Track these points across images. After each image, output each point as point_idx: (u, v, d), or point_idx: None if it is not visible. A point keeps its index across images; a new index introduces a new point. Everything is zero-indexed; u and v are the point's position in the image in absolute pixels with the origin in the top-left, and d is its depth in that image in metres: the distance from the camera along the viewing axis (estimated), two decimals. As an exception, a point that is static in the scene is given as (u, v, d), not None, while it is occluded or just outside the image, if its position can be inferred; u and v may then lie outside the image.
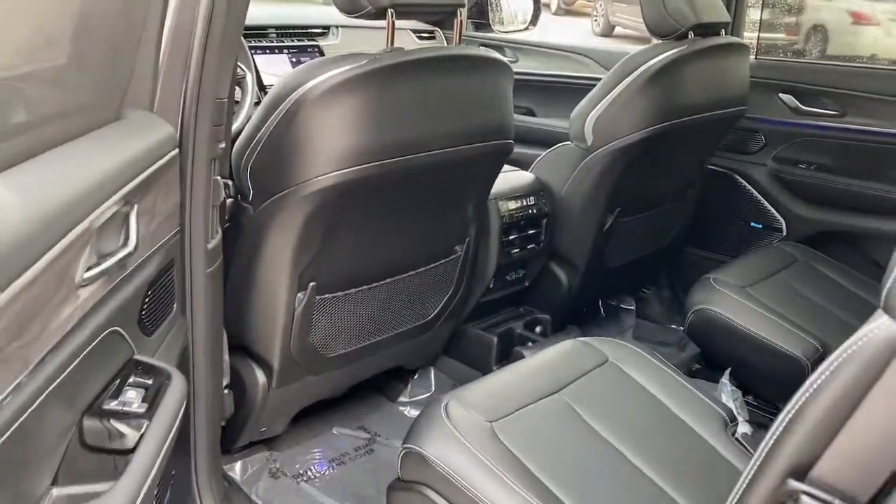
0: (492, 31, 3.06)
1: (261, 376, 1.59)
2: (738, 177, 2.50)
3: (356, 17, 1.40)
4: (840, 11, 8.05)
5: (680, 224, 2.49)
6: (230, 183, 1.44)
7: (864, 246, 2.31)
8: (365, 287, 1.63)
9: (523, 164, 2.26)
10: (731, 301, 1.91)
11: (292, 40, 2.54)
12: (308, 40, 2.58)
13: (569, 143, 2.11)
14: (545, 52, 2.93)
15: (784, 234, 2.42)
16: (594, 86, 2.65)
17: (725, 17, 2.16)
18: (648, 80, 1.93)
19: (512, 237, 2.02)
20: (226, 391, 1.56)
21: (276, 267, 1.47)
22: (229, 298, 1.52)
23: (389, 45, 1.41)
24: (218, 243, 1.33)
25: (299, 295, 1.52)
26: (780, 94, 2.39)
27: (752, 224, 2.50)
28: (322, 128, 1.33)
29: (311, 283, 1.52)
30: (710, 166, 2.45)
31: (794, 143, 2.39)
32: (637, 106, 1.95)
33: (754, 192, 2.47)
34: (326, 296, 1.56)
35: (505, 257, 2.01)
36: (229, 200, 1.46)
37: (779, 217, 2.43)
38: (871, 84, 2.23)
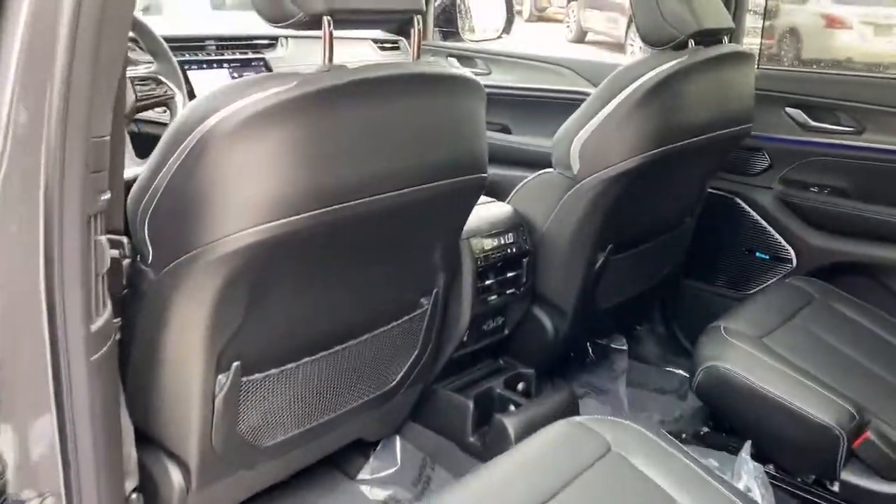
0: (461, 40, 2.78)
1: (176, 476, 1.27)
2: (739, 201, 2.23)
3: (283, 27, 1.10)
4: (814, 15, 7.93)
5: (678, 255, 2.21)
6: (125, 241, 1.13)
7: (886, 280, 2.04)
8: (307, 359, 1.32)
9: (498, 188, 1.98)
10: (747, 356, 1.62)
11: (234, 53, 2.22)
12: (253, 53, 2.27)
13: (551, 170, 1.81)
14: (521, 63, 2.64)
15: (794, 265, 2.15)
16: (577, 100, 2.35)
17: (729, 22, 1.89)
18: (644, 97, 1.64)
19: (488, 282, 1.72)
20: (133, 496, 1.24)
21: (188, 345, 1.16)
22: (132, 382, 1.20)
23: (327, 61, 1.11)
24: (107, 321, 1.01)
25: (220, 378, 1.20)
26: (787, 109, 2.12)
27: (758, 254, 2.22)
28: (237, 171, 1.02)
29: (236, 363, 1.21)
30: (709, 189, 2.17)
31: (804, 164, 2.12)
32: (631, 127, 1.66)
33: (759, 218, 2.20)
34: (256, 376, 1.25)
35: (481, 305, 1.71)
36: (126, 261, 1.15)
37: (787, 247, 2.16)
38: (894, 96, 1.96)
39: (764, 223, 2.19)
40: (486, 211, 1.77)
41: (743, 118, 1.91)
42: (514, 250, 1.76)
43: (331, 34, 1.09)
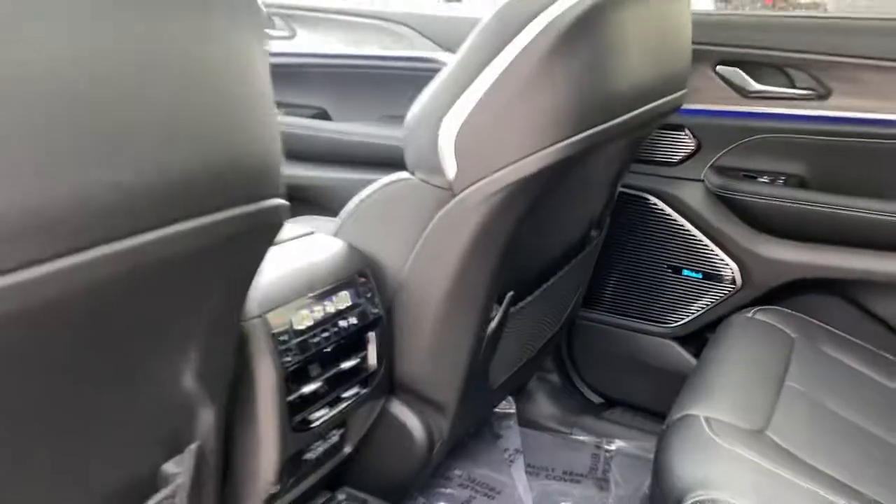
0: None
1: None
2: (656, 200, 1.60)
3: None
4: None
5: (583, 285, 1.56)
6: None
7: (862, 298, 1.50)
8: None
9: (317, 203, 1.24)
10: (759, 474, 0.97)
11: None
12: None
13: (405, 174, 1.07)
14: (338, 21, 1.87)
15: (737, 285, 1.56)
16: (424, 70, 1.67)
17: (658, -70, 1.23)
18: (556, 46, 0.93)
19: (310, 388, 0.95)
20: None
21: None
22: None
23: None
24: None
25: None
26: (719, 67, 1.51)
27: (686, 272, 1.61)
28: None
29: None
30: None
31: (745, 145, 1.52)
32: (539, 99, 0.95)
33: (685, 222, 1.58)
34: None
35: (298, 439, 0.94)
36: None
37: (727, 260, 1.56)
38: (874, 44, 1.40)
39: (692, 229, 1.58)
40: (298, 253, 1.00)
41: (680, 81, 1.28)
42: (353, 321, 1.00)
43: None
